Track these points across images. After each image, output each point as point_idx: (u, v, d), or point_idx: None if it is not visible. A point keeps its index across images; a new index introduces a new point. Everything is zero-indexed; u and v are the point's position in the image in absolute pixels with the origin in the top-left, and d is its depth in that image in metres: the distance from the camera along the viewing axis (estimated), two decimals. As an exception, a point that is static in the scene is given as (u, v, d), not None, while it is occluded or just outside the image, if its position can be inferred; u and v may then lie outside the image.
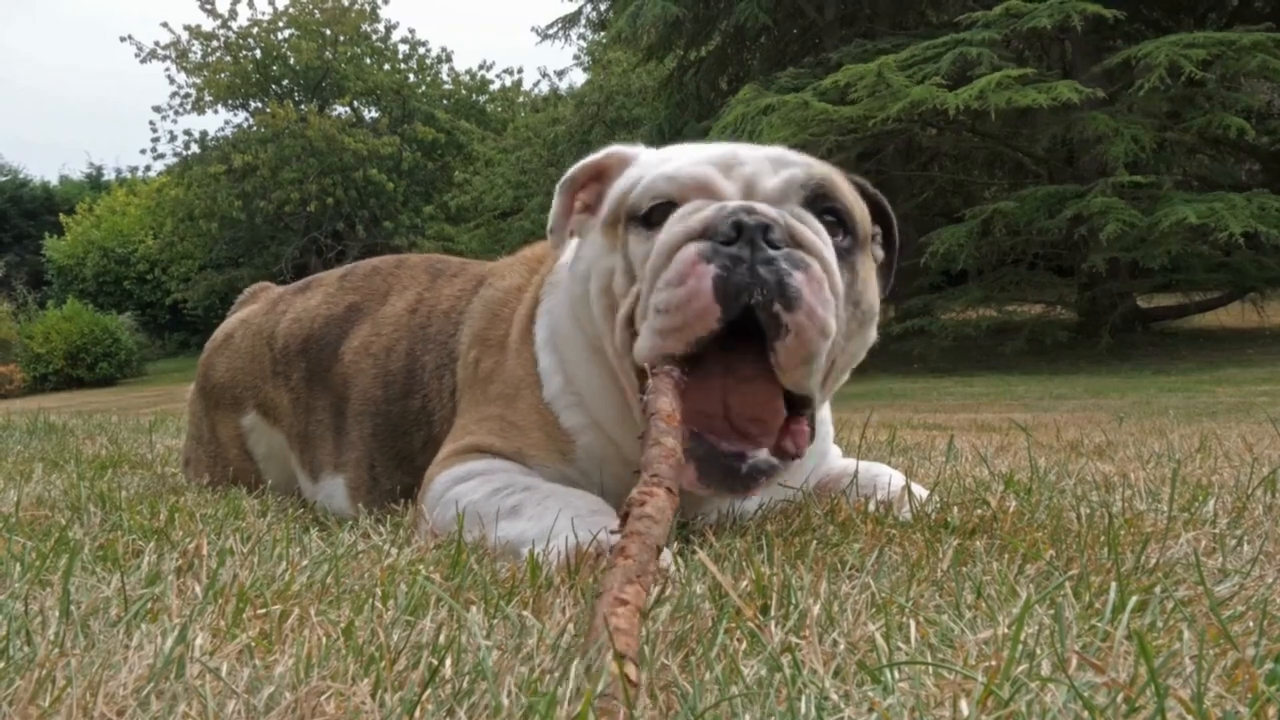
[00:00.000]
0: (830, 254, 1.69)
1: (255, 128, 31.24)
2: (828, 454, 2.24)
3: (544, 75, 43.09)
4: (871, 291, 1.82)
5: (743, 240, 1.61)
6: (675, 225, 1.68)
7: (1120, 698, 0.95)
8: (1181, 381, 11.75)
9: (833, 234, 1.74)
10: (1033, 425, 5.10)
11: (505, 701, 0.99)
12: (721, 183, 1.73)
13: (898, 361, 15.90)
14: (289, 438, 2.59)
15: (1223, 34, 14.12)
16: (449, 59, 34.65)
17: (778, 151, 1.81)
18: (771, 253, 1.60)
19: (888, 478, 2.18)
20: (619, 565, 1.17)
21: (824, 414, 2.15)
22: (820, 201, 1.74)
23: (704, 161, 1.77)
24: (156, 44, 31.12)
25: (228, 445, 2.73)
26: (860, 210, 1.84)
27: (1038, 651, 1.11)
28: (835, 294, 1.67)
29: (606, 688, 0.96)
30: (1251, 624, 1.25)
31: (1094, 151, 14.52)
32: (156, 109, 32.34)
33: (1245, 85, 14.83)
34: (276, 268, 30.76)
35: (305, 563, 1.64)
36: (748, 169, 1.75)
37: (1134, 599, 1.26)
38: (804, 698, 0.99)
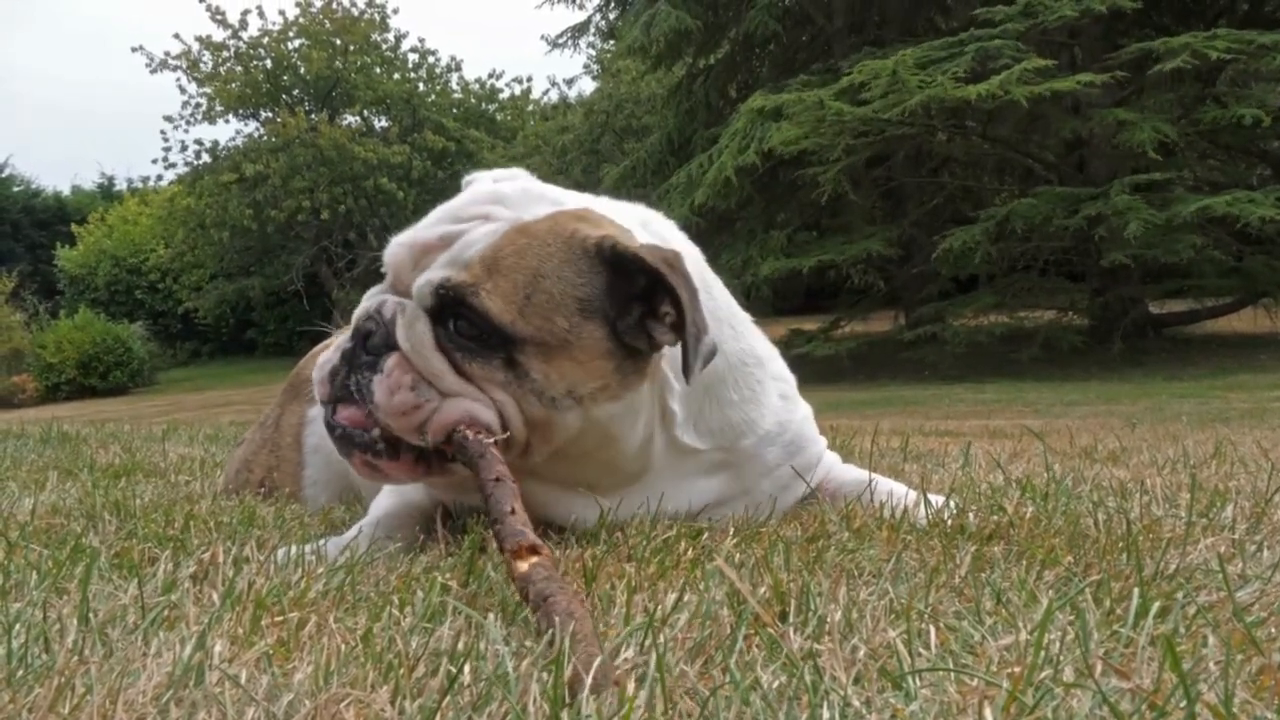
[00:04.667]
0: (423, 346, 1.81)
1: (266, 137, 31.32)
2: (816, 458, 2.28)
3: (553, 84, 43.11)
4: (564, 382, 1.82)
5: (355, 344, 1.86)
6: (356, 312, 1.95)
7: (1146, 704, 0.95)
8: (1194, 387, 11.70)
9: (471, 333, 1.81)
10: (1045, 431, 5.08)
11: (530, 708, 0.99)
12: (396, 268, 1.91)
13: (909, 369, 15.87)
14: None
15: (1242, 32, 14.10)
16: (458, 68, 34.73)
17: (475, 241, 1.84)
18: (365, 358, 1.84)
19: (903, 493, 2.21)
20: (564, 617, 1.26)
21: (800, 415, 2.24)
22: (449, 308, 1.82)
23: (404, 246, 1.90)
24: (167, 54, 31.19)
25: (284, 433, 2.82)
26: (518, 311, 1.80)
27: (1060, 658, 1.10)
28: (425, 373, 1.80)
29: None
30: (1274, 630, 1.24)
31: (1116, 140, 14.45)
32: (168, 119, 32.37)
33: (1257, 89, 14.79)
34: (287, 277, 30.84)
35: (321, 570, 1.63)
36: (404, 258, 1.89)
37: (1156, 604, 1.25)
38: (826, 704, 0.99)
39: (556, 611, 1.26)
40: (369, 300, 1.92)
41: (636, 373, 1.89)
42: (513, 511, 1.55)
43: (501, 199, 1.93)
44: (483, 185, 2.04)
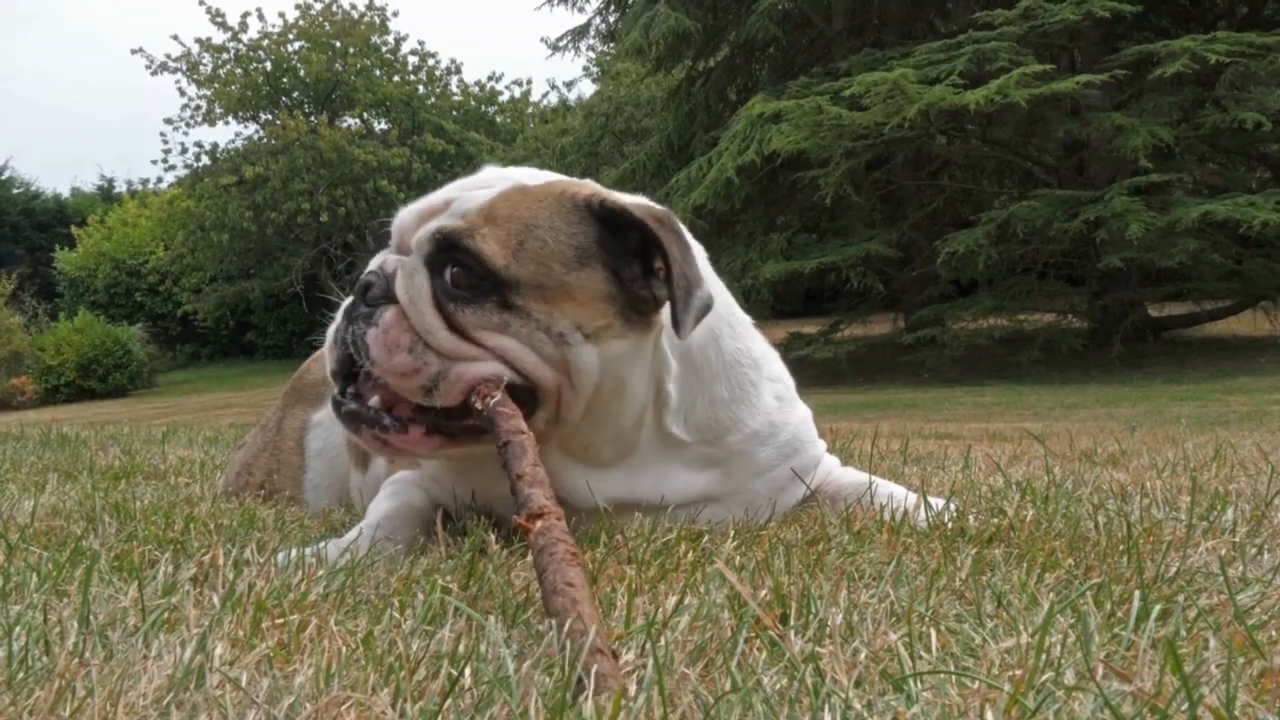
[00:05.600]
0: (419, 299, 1.83)
1: (266, 139, 31.34)
2: (814, 460, 2.28)
3: (553, 86, 42.98)
4: (567, 319, 1.85)
5: (356, 297, 1.90)
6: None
7: (1147, 707, 0.95)
8: (1193, 390, 11.70)
9: (466, 282, 1.83)
10: (1045, 434, 5.08)
11: (531, 710, 0.99)
12: (401, 230, 1.95)
13: (908, 371, 15.88)
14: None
15: (1241, 34, 14.12)
16: (458, 70, 34.74)
17: (475, 197, 1.90)
18: (363, 309, 1.87)
19: (903, 496, 2.22)
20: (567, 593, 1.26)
21: (797, 417, 2.23)
22: (446, 254, 1.85)
23: (411, 211, 1.96)
24: (168, 56, 31.25)
25: (286, 436, 2.82)
26: (511, 255, 1.83)
27: (1062, 660, 1.10)
28: (419, 329, 1.82)
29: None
30: (1276, 633, 1.24)
31: (1113, 145, 14.48)
32: (168, 121, 32.36)
33: (1255, 92, 14.81)
34: (287, 279, 30.84)
35: (321, 572, 1.63)
36: (409, 223, 1.93)
37: (1157, 607, 1.25)
38: (828, 707, 0.99)
39: (547, 587, 1.27)
40: (374, 261, 1.96)
41: (641, 321, 1.91)
42: (520, 476, 1.55)
43: (509, 177, 2.00)
44: (495, 169, 2.10)
